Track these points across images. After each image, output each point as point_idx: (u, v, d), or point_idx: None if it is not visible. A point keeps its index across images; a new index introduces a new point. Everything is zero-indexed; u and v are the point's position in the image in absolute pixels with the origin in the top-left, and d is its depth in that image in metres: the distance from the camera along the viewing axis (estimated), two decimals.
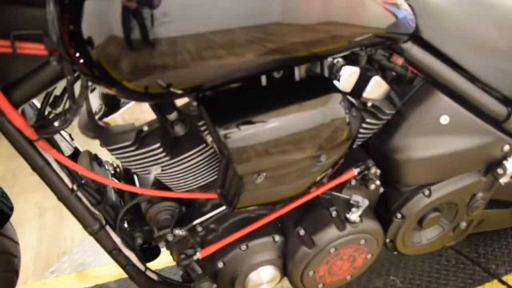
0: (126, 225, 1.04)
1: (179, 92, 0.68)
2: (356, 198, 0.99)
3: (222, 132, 0.72)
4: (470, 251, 1.54)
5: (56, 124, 0.75)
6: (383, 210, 1.10)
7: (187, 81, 0.66)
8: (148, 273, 1.03)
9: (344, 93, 0.85)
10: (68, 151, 0.96)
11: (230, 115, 0.74)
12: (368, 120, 0.92)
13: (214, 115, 0.74)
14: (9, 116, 0.71)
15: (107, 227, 0.93)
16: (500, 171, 1.07)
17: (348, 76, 0.88)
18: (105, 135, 0.79)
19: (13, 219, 1.03)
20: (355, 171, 0.98)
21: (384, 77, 0.94)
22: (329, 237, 0.98)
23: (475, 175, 1.10)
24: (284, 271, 1.04)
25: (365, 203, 0.99)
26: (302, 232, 0.99)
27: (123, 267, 0.98)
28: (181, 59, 0.62)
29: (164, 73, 0.63)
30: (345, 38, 0.76)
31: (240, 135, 0.73)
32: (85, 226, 0.90)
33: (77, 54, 0.60)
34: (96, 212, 0.91)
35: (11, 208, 1.00)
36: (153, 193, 0.91)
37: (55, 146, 0.85)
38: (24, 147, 0.77)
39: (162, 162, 0.83)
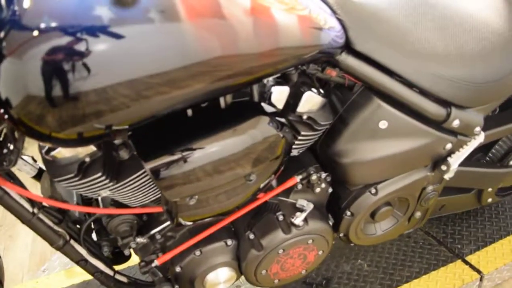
0: (94, 234, 1.13)
1: (111, 132, 0.74)
2: (301, 202, 1.06)
3: (147, 166, 0.79)
4: (439, 232, 1.60)
5: (5, 163, 0.83)
6: (334, 207, 1.17)
7: (117, 123, 0.71)
8: (117, 276, 1.13)
9: (273, 113, 0.91)
10: (32, 172, 1.05)
11: (155, 149, 0.81)
12: (303, 132, 0.97)
13: (140, 149, 0.81)
14: None
15: (72, 241, 1.02)
16: (444, 167, 1.12)
17: (277, 96, 0.93)
18: (51, 168, 0.87)
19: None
20: (297, 178, 1.04)
21: (323, 87, 1.00)
22: (276, 240, 1.06)
23: (422, 171, 1.15)
24: (240, 271, 1.12)
25: (309, 206, 1.06)
26: (251, 236, 1.07)
27: (92, 274, 1.08)
28: (106, 106, 0.66)
29: (91, 121, 0.67)
30: (271, 65, 0.81)
31: (165, 167, 0.80)
32: (51, 243, 0.99)
33: (1, 111, 0.66)
34: (59, 229, 1.00)
35: None
36: (106, 211, 0.99)
37: (12, 176, 0.93)
38: None
39: (108, 187, 0.91)
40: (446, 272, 1.45)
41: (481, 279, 1.43)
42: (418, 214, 1.27)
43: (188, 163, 0.82)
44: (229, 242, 1.07)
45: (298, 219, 1.05)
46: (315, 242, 1.11)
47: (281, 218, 1.07)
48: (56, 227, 0.99)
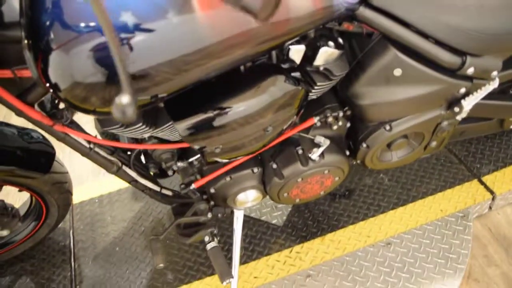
0: (142, 158, 1.33)
1: (151, 103, 0.88)
2: (319, 139, 1.19)
3: (178, 126, 0.94)
4: (461, 150, 1.69)
5: (62, 119, 1.00)
6: (352, 138, 1.29)
7: (158, 95, 0.85)
8: (163, 191, 1.34)
9: (289, 68, 1.00)
10: None
11: (182, 110, 0.94)
12: (319, 83, 1.06)
13: (170, 109, 0.95)
14: (27, 113, 0.97)
15: (124, 167, 1.23)
16: (457, 109, 1.19)
17: (294, 53, 1.01)
18: (100, 121, 1.03)
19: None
20: (315, 119, 1.16)
21: (340, 36, 1.06)
22: (295, 171, 1.21)
23: (436, 110, 1.22)
24: (265, 192, 1.30)
25: (326, 143, 1.18)
26: (274, 166, 1.22)
27: (142, 191, 1.30)
28: (148, 83, 0.80)
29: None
30: (288, 33, 0.89)
31: (191, 126, 0.94)
32: (106, 170, 1.20)
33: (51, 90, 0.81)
34: (113, 158, 1.19)
35: (52, 148, 1.31)
36: (146, 147, 1.16)
37: (72, 121, 1.10)
38: (46, 128, 1.04)
39: (149, 132, 1.07)
40: (461, 191, 1.57)
41: (493, 199, 1.54)
42: (434, 143, 1.37)
43: (211, 123, 0.95)
44: (255, 169, 1.24)
45: (315, 154, 1.18)
46: (331, 172, 1.25)
47: (300, 152, 1.20)
48: (109, 157, 1.18)
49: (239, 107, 0.96)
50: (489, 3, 1.02)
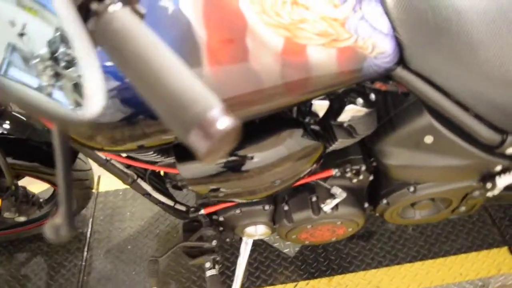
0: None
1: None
2: (335, 190, 1.14)
3: (180, 167, 0.92)
4: (499, 211, 1.58)
5: None
6: (373, 190, 1.23)
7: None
8: (177, 206, 1.35)
9: (310, 121, 0.96)
10: None
11: (189, 154, 0.92)
12: (340, 139, 1.01)
13: (177, 152, 0.94)
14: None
15: (139, 180, 1.23)
16: (489, 185, 1.10)
17: (317, 108, 0.96)
18: None
19: None
20: (333, 171, 1.11)
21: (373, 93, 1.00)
22: (305, 218, 1.17)
23: (466, 181, 1.13)
24: (274, 229, 1.27)
25: (341, 195, 1.13)
26: (286, 207, 1.19)
27: (156, 204, 1.31)
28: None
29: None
30: (304, 95, 0.85)
31: (192, 170, 0.93)
32: (122, 181, 1.22)
33: None
34: (128, 171, 1.20)
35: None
36: (159, 169, 1.16)
37: None
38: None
39: (163, 158, 1.06)
40: (487, 256, 1.47)
41: None
42: (463, 208, 1.28)
43: (216, 170, 0.93)
44: (267, 207, 1.21)
45: (327, 206, 1.13)
46: (344, 223, 1.21)
47: (314, 199, 1.16)
48: (125, 169, 1.19)
49: (249, 157, 0.93)
50: None
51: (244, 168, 0.94)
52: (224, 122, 0.39)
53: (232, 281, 1.41)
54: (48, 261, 1.58)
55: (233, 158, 0.93)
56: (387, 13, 0.88)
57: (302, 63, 0.78)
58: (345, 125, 1.00)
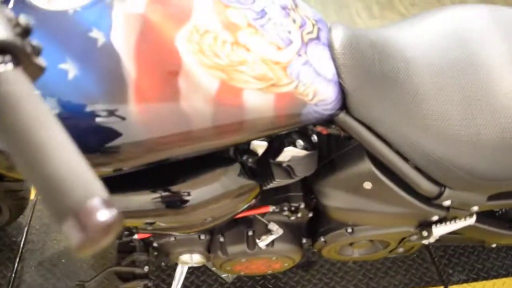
0: None
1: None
2: (272, 226, 1.12)
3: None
4: (439, 248, 1.60)
5: None
6: (311, 227, 1.22)
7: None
8: None
9: (248, 158, 0.93)
10: None
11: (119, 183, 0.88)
12: (278, 179, 0.98)
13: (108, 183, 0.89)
14: None
15: None
16: (425, 233, 1.10)
17: (254, 147, 0.93)
18: None
19: None
20: (270, 208, 1.08)
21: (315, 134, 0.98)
22: (240, 251, 1.15)
23: (404, 227, 1.13)
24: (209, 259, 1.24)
25: (278, 232, 1.11)
26: (221, 239, 1.16)
27: None
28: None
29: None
30: (239, 137, 0.82)
31: (121, 202, 0.89)
32: None
33: None
34: None
35: None
36: None
37: None
38: None
39: None
40: None
41: None
42: (401, 249, 1.28)
43: (145, 203, 0.89)
44: (202, 236, 1.18)
45: (263, 242, 1.11)
46: (280, 259, 1.19)
47: (250, 233, 1.14)
48: None
49: (184, 193, 0.89)
50: (484, 143, 0.92)
51: (178, 204, 0.90)
52: (104, 214, 0.36)
53: None
54: None
55: (167, 193, 0.89)
56: (333, 58, 0.87)
57: (237, 107, 0.76)
58: (284, 165, 0.98)
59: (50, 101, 0.67)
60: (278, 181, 0.99)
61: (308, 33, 0.86)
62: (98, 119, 0.69)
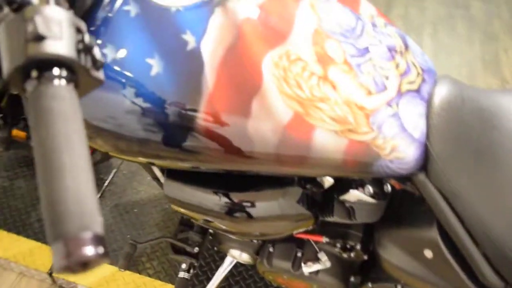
0: None
1: None
2: (321, 256, 1.09)
3: (164, 183, 0.92)
4: None
5: None
6: (363, 269, 1.16)
7: None
8: None
9: (309, 190, 0.91)
10: None
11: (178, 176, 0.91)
12: (336, 217, 0.95)
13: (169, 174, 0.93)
14: None
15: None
16: None
17: (321, 180, 0.90)
18: None
19: None
20: (324, 239, 1.05)
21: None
22: (283, 268, 1.14)
23: None
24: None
25: (325, 264, 1.08)
26: (271, 249, 1.16)
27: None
28: None
29: None
30: (302, 172, 0.80)
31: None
32: None
33: None
34: None
35: None
36: None
37: None
38: None
39: None
40: None
41: None
42: None
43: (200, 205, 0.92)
44: (255, 240, 1.18)
45: (308, 269, 1.09)
46: (321, 287, 1.16)
47: (299, 254, 1.12)
48: None
49: (237, 200, 0.90)
50: None
51: (233, 211, 0.91)
52: (90, 250, 0.37)
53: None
54: None
55: (226, 198, 0.91)
56: (427, 116, 0.80)
57: (304, 143, 0.73)
58: (347, 204, 0.93)
59: (129, 90, 0.70)
60: (336, 218, 0.95)
61: (409, 82, 0.80)
62: (172, 118, 0.71)
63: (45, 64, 0.41)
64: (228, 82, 0.69)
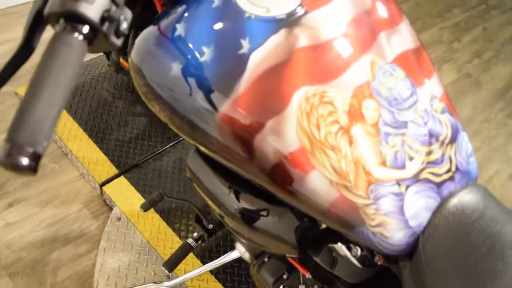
0: None
1: None
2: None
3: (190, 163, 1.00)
4: None
5: None
6: None
7: None
8: None
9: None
10: None
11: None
12: (319, 260, 0.96)
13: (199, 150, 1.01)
14: None
15: None
16: None
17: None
18: None
19: None
20: (308, 275, 1.07)
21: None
22: (266, 281, 1.18)
23: None
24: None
25: None
26: (265, 259, 1.21)
27: None
28: None
29: None
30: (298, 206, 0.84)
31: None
32: None
33: None
34: None
35: None
36: None
37: None
38: None
39: None
40: None
41: None
42: None
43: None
44: None
45: None
46: None
47: (284, 276, 1.15)
48: None
49: (241, 203, 0.96)
50: None
51: (233, 213, 0.97)
52: (25, 161, 0.46)
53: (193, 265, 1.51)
54: None
55: (234, 198, 0.97)
56: (435, 213, 0.78)
57: (298, 176, 0.76)
58: (334, 253, 0.95)
59: (176, 65, 0.79)
60: (319, 261, 0.97)
61: (433, 173, 0.78)
62: (200, 103, 0.79)
63: (72, 17, 0.51)
64: (257, 94, 0.75)
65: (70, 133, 1.83)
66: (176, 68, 0.78)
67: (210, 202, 1.03)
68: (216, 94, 0.76)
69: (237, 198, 0.95)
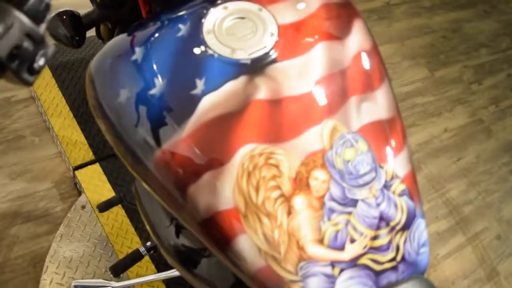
0: None
1: None
2: None
3: (137, 183, 0.96)
4: None
5: None
6: None
7: None
8: None
9: None
10: None
11: None
12: None
13: None
14: None
15: None
16: None
17: None
18: None
19: None
20: None
21: None
22: None
23: None
24: None
25: None
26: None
27: None
28: None
29: None
30: None
31: None
32: None
33: None
34: None
35: None
36: None
37: None
38: None
39: None
40: None
41: None
42: None
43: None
44: None
45: None
46: None
47: None
48: None
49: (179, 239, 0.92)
50: None
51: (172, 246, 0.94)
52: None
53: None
54: None
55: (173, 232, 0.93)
56: None
57: (225, 236, 0.71)
58: None
59: (128, 91, 0.74)
60: None
61: (373, 260, 0.73)
62: (145, 135, 0.73)
63: None
64: (201, 141, 0.70)
65: (56, 109, 1.80)
66: (127, 93, 0.73)
67: (148, 228, 0.98)
68: (163, 129, 0.71)
69: (177, 233, 0.90)
